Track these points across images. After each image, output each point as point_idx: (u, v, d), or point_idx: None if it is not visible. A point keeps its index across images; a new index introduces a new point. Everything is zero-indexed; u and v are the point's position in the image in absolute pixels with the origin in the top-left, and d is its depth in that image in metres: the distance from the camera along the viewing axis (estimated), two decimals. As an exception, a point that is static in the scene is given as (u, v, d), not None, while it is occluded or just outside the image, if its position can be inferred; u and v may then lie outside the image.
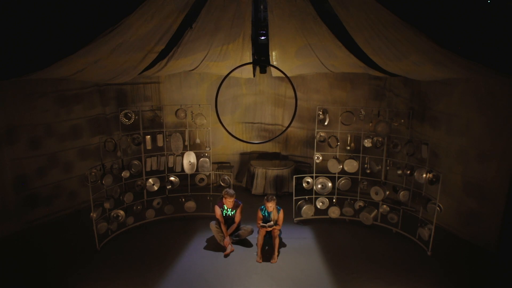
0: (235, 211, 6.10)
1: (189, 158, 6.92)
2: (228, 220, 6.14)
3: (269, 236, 5.86)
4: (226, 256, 5.72)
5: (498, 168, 5.68)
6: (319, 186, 6.88)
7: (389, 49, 5.26)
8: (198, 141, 7.30)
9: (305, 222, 6.87)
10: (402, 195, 6.32)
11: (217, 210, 6.06)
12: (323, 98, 8.44)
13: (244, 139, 8.61)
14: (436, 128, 6.63)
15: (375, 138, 6.68)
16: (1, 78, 5.27)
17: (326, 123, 7.05)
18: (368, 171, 6.75)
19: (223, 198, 6.01)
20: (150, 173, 6.86)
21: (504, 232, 5.67)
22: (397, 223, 6.41)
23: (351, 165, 6.68)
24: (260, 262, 5.56)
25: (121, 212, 6.34)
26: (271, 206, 5.78)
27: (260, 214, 5.90)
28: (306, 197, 6.91)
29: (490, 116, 5.74)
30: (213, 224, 6.03)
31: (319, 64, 7.32)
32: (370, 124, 6.66)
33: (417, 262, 5.57)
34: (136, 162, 6.64)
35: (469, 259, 5.66)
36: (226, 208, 6.09)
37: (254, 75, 8.59)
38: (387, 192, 6.52)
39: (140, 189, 6.85)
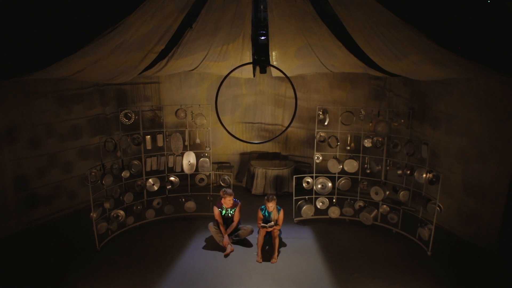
0: (234, 210, 6.10)
1: (189, 158, 6.92)
2: (228, 220, 6.13)
3: (269, 236, 5.86)
4: (226, 256, 5.72)
5: (498, 168, 5.68)
6: (319, 186, 6.88)
7: (389, 49, 5.26)
8: (198, 141, 7.30)
9: (305, 222, 6.87)
10: (402, 195, 6.32)
11: (216, 210, 6.05)
12: (323, 98, 8.44)
13: (244, 139, 8.61)
14: (436, 128, 6.63)
15: (375, 138, 6.68)
16: (1, 78, 5.27)
17: (326, 123, 7.05)
18: (368, 171, 6.75)
19: (222, 198, 6.01)
20: (150, 173, 6.86)
21: (504, 232, 5.67)
22: (397, 223, 6.41)
23: (351, 165, 6.68)
24: (260, 262, 5.56)
25: (121, 212, 6.34)
26: (271, 206, 5.78)
27: (260, 214, 5.90)
28: (306, 197, 6.92)
29: (490, 116, 5.74)
30: (211, 225, 6.03)
31: (319, 64, 7.32)
32: (370, 124, 6.66)
33: (417, 262, 5.57)
34: (136, 162, 6.64)
35: (469, 259, 5.66)
36: (225, 208, 6.08)
37: (254, 75, 8.59)
38: (387, 192, 6.52)
39: (140, 189, 6.85)
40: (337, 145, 6.80)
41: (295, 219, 6.88)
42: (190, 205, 6.98)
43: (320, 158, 7.02)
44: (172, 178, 7.06)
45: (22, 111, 6.35)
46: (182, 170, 6.96)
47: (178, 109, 6.97)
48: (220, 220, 6.02)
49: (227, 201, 5.98)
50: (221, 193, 6.01)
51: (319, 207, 6.90)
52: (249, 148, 9.18)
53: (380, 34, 4.99)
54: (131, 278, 5.13)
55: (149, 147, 6.78)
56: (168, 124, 7.50)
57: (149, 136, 6.77)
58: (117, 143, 6.30)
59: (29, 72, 5.02)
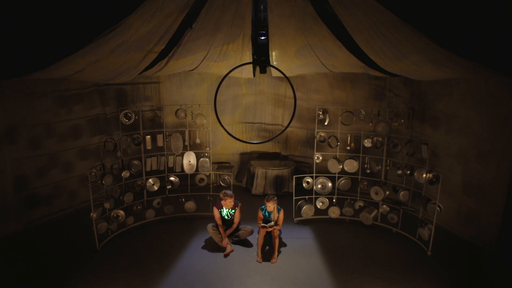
0: (235, 211, 6.09)
1: (189, 158, 6.92)
2: (228, 221, 6.12)
3: (269, 236, 5.86)
4: (226, 256, 5.72)
5: (498, 168, 5.68)
6: (319, 186, 6.88)
7: (389, 49, 5.26)
8: (198, 141, 7.30)
9: (305, 222, 6.87)
10: (402, 195, 6.32)
11: (216, 212, 6.03)
12: (323, 98, 8.44)
13: (244, 139, 8.61)
14: (436, 128, 6.63)
15: (375, 138, 6.68)
16: (1, 78, 5.27)
17: (326, 123, 7.05)
18: (368, 171, 6.75)
19: (222, 200, 5.99)
20: (150, 173, 6.86)
21: (504, 232, 5.67)
22: (397, 223, 6.41)
23: (351, 165, 6.68)
24: (260, 262, 5.56)
25: (121, 212, 6.34)
26: (270, 205, 5.77)
27: (260, 214, 5.90)
28: (306, 197, 6.91)
29: (490, 116, 5.74)
30: (210, 227, 6.01)
31: (319, 64, 7.32)
32: (370, 124, 6.66)
33: (417, 262, 5.57)
34: (136, 162, 6.64)
35: (469, 259, 5.67)
36: (225, 209, 6.06)
37: (254, 75, 8.59)
38: (387, 192, 6.52)
39: (140, 189, 6.85)
40: (337, 145, 6.80)
41: (295, 219, 6.88)
42: (190, 205, 6.98)
43: (320, 158, 7.02)
44: (172, 178, 7.06)
45: (22, 111, 6.34)
46: (182, 170, 6.96)
47: (178, 109, 6.97)
48: (219, 222, 6.00)
49: (228, 203, 5.96)
50: (221, 195, 5.98)
51: (319, 207, 6.90)
52: (249, 148, 9.18)
53: (380, 34, 4.99)
54: (131, 278, 5.13)
55: (149, 147, 6.78)
56: (168, 124, 7.50)
57: (149, 136, 6.77)
58: (117, 143, 6.30)
59: (29, 72, 5.02)
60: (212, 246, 5.98)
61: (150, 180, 6.78)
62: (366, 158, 6.75)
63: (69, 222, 6.87)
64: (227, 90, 8.66)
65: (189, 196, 7.00)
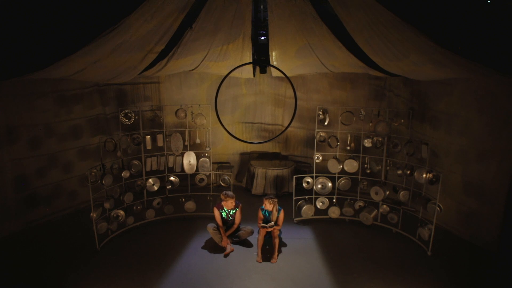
0: (235, 211, 6.09)
1: (189, 158, 6.92)
2: (228, 222, 6.12)
3: (269, 236, 5.86)
4: (226, 256, 5.72)
5: (498, 168, 5.68)
6: (319, 186, 6.88)
7: (389, 49, 5.26)
8: (198, 141, 7.30)
9: (305, 222, 6.87)
10: (402, 195, 6.32)
11: (216, 213, 6.03)
12: (323, 98, 8.44)
13: (244, 139, 8.61)
14: (436, 128, 6.63)
15: (375, 138, 6.69)
16: (1, 78, 5.27)
17: (326, 123, 7.05)
18: (368, 171, 6.75)
19: (222, 201, 5.99)
20: (150, 173, 6.86)
21: (504, 232, 5.67)
22: (397, 223, 6.41)
23: (351, 165, 6.68)
24: (260, 262, 5.56)
25: (121, 212, 6.34)
26: (267, 204, 5.77)
27: (260, 214, 5.90)
28: (306, 197, 6.91)
29: (490, 116, 5.74)
30: (210, 227, 6.01)
31: (319, 64, 7.32)
32: (370, 124, 6.66)
33: (417, 262, 5.57)
34: (136, 162, 6.64)
35: (469, 259, 5.67)
36: (225, 209, 6.06)
37: (254, 75, 8.59)
38: (387, 192, 6.52)
39: (140, 189, 6.85)
40: (337, 145, 6.80)
41: (295, 219, 6.88)
42: (190, 205, 6.97)
43: (320, 158, 7.02)
44: (172, 178, 7.06)
45: (21, 111, 6.34)
46: (182, 170, 6.95)
47: (178, 109, 6.97)
48: (220, 223, 6.01)
49: (229, 204, 5.96)
50: (222, 196, 5.97)
51: (319, 207, 6.90)
52: (249, 148, 9.18)
53: (380, 34, 4.99)
54: (131, 278, 5.13)
55: (149, 147, 6.78)
56: (168, 124, 7.50)
57: (149, 136, 6.77)
58: (117, 143, 6.30)
59: (29, 72, 5.02)
60: (212, 246, 5.98)
61: (150, 180, 6.78)
62: (366, 158, 6.75)
63: (69, 222, 6.87)
64: (227, 90, 8.66)
65: (189, 196, 7.00)
